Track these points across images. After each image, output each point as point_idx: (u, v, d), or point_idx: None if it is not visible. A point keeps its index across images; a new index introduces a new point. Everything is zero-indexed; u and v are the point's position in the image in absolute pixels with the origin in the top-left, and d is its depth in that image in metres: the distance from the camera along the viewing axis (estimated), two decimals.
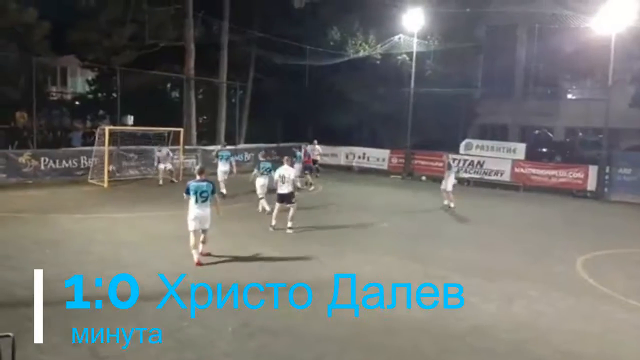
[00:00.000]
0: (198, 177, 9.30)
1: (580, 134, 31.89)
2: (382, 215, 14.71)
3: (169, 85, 32.41)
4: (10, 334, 3.27)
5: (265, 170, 13.64)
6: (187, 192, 9.05)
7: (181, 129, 20.55)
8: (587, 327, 7.01)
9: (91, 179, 18.23)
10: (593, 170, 20.84)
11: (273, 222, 11.86)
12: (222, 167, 16.34)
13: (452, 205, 15.79)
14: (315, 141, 22.63)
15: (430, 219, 14.77)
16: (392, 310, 7.23)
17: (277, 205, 11.94)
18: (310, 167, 20.55)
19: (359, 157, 27.47)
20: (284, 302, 7.34)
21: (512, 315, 7.33)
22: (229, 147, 19.96)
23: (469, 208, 16.42)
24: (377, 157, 26.95)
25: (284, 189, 11.79)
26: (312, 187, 19.07)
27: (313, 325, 6.60)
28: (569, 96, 32.43)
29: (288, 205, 11.85)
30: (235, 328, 6.41)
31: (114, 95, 24.39)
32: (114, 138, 18.98)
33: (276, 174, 12.05)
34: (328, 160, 28.15)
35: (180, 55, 24.39)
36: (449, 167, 16.36)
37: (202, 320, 6.59)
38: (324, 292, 7.85)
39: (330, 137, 28.60)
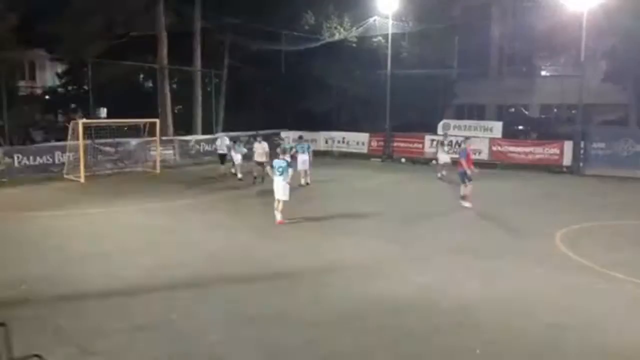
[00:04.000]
0: (281, 157, 11.40)
1: (555, 110, 32.44)
2: (365, 199, 14.79)
3: (142, 76, 31.84)
4: (4, 323, 3.21)
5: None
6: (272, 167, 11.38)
7: (157, 120, 20.24)
8: (569, 299, 7.20)
9: (67, 174, 17.89)
10: (568, 145, 21.24)
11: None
12: (302, 157, 16.93)
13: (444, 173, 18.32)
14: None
15: (412, 200, 14.91)
16: (381, 293, 7.31)
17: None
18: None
19: (339, 142, 27.46)
20: (272, 290, 7.37)
21: (497, 291, 7.48)
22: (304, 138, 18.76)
23: (449, 188, 16.63)
24: (357, 140, 26.98)
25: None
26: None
27: (304, 311, 6.64)
28: (543, 73, 32.90)
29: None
30: (224, 318, 6.41)
31: (86, 87, 23.87)
32: (88, 132, 18.60)
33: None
34: None
35: (153, 45, 23.95)
36: (441, 144, 19.16)
37: (191, 312, 6.57)
38: (313, 278, 7.91)
39: (310, 123, 28.51)
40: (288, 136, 19.50)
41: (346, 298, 7.11)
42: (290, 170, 11.67)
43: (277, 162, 11.37)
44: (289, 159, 11.63)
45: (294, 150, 16.73)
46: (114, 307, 6.74)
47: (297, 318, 6.45)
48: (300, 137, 18.53)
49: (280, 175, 11.20)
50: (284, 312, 6.62)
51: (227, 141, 18.99)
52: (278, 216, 11.36)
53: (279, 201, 11.36)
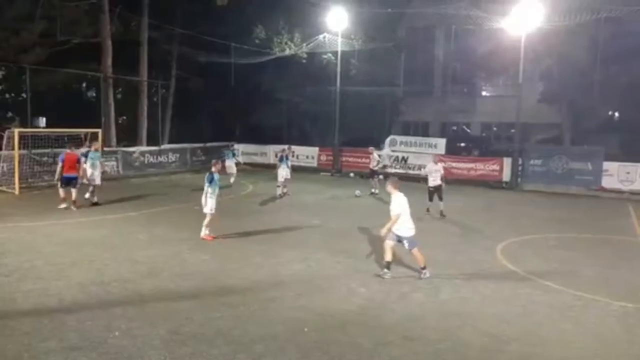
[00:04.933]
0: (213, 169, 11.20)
1: (495, 128, 33.87)
2: (313, 213, 14.79)
3: (84, 85, 30.75)
4: None
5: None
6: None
7: (99, 130, 19.50)
8: (510, 309, 7.42)
9: (0, 186, 16.89)
10: (507, 162, 22.19)
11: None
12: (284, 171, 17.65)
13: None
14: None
15: (360, 214, 15.03)
16: (327, 306, 7.27)
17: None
18: None
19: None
20: (216, 306, 7.17)
21: (440, 303, 7.61)
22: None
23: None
24: (307, 154, 27.10)
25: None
26: None
27: (248, 327, 6.49)
28: (484, 93, 34.40)
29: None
30: (165, 336, 6.17)
31: (24, 95, 22.75)
32: (25, 142, 17.66)
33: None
34: (257, 159, 27.98)
35: (97, 53, 23.18)
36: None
37: (129, 331, 6.27)
38: (258, 293, 7.77)
39: (260, 136, 28.42)
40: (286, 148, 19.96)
41: (292, 312, 7.02)
42: (216, 184, 11.07)
43: (207, 175, 11.07)
44: (214, 171, 11.19)
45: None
46: (46, 326, 6.34)
47: (242, 334, 6.28)
48: (284, 150, 18.93)
49: (208, 187, 10.85)
50: (227, 328, 6.45)
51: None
52: (202, 231, 11.00)
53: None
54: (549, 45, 22.73)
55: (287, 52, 26.72)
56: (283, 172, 17.61)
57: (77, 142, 18.47)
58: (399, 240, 8.68)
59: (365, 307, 7.32)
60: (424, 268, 8.69)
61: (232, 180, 19.51)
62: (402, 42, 30.33)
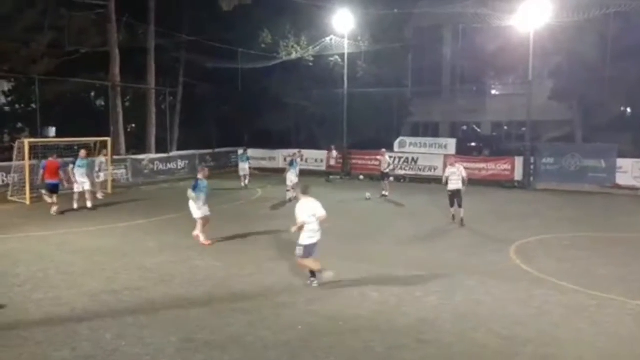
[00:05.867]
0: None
1: (505, 127, 33.61)
2: None
3: (93, 94, 30.99)
4: None
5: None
6: None
7: (108, 139, 19.62)
8: (525, 311, 7.30)
9: (12, 196, 17.02)
10: (519, 161, 21.97)
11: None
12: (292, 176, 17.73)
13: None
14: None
15: (370, 217, 14.95)
16: (340, 311, 7.20)
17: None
18: None
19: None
20: (228, 313, 7.14)
21: (454, 306, 7.51)
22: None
23: (406, 204, 16.83)
24: (315, 158, 27.05)
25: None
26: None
27: (260, 334, 6.44)
28: (494, 92, 34.13)
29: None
30: (177, 343, 6.14)
31: (34, 106, 22.97)
32: (35, 152, 17.79)
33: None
34: (266, 164, 27.98)
35: (105, 62, 23.34)
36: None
37: (141, 339, 6.26)
38: (270, 299, 7.73)
39: (268, 141, 28.44)
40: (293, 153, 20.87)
41: (304, 318, 6.96)
42: (201, 190, 11.02)
43: (192, 182, 11.22)
44: (200, 177, 11.19)
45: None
46: (59, 335, 6.34)
47: (255, 341, 6.24)
48: (294, 154, 19.67)
49: (192, 193, 10.89)
50: (240, 335, 6.41)
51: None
52: (200, 237, 11.04)
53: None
54: (557, 42, 22.51)
55: (294, 55, 26.74)
56: (292, 177, 17.62)
57: (88, 150, 18.65)
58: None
59: (377, 311, 7.24)
60: (313, 275, 8.22)
61: (246, 182, 20.71)
62: (409, 42, 30.22)
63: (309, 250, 8.13)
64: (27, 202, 16.46)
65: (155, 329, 6.55)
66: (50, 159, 15.05)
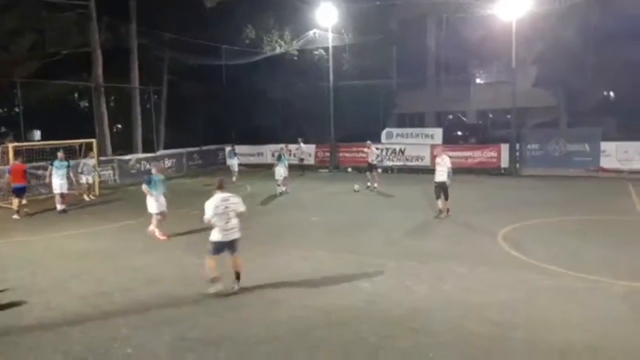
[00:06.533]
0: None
1: (491, 115, 33.84)
2: (312, 210, 14.76)
3: (77, 95, 30.66)
4: None
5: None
6: None
7: (93, 140, 19.43)
8: (514, 296, 7.40)
9: (4, 202, 16.82)
10: (505, 148, 22.15)
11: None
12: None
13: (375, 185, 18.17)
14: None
15: (359, 208, 15.00)
16: (332, 303, 7.24)
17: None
18: None
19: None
20: (220, 310, 7.14)
21: (445, 294, 7.58)
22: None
23: (394, 195, 16.90)
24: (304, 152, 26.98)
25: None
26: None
27: (253, 329, 6.46)
28: (478, 81, 34.32)
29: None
30: (170, 342, 6.14)
31: (17, 109, 22.66)
32: (20, 156, 17.54)
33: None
34: (254, 160, 27.92)
35: (88, 63, 23.08)
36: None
37: (133, 339, 6.25)
38: (262, 294, 7.74)
39: (255, 137, 28.35)
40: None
41: (296, 312, 6.98)
42: (155, 185, 11.41)
43: (145, 177, 11.77)
44: (153, 173, 11.73)
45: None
46: (51, 339, 6.31)
47: (248, 337, 6.26)
48: (281, 149, 19.66)
49: (147, 189, 11.33)
50: (233, 331, 6.42)
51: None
52: (156, 233, 11.43)
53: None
54: (540, 30, 22.68)
55: (278, 50, 26.65)
56: (281, 171, 17.65)
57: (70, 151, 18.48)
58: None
59: (369, 302, 7.29)
60: (214, 279, 7.70)
61: (234, 178, 20.69)
62: (393, 34, 30.23)
63: (217, 247, 7.69)
64: (14, 206, 16.26)
65: (148, 329, 6.54)
66: (16, 162, 15.23)
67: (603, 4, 21.37)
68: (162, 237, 11.35)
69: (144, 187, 11.37)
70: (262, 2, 26.10)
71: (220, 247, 7.72)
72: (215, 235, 7.69)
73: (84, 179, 17.79)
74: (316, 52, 26.80)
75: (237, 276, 7.83)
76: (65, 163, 15.72)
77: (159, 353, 5.88)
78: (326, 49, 25.87)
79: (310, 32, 25.67)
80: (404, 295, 7.53)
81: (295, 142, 25.15)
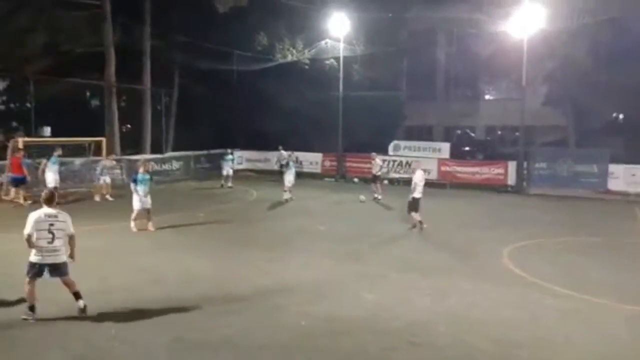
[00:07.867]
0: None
1: (499, 132, 33.79)
2: (318, 218, 14.75)
3: (88, 94, 30.88)
4: None
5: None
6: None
7: (103, 139, 19.53)
8: (518, 314, 7.34)
9: (5, 195, 16.91)
10: (512, 166, 22.06)
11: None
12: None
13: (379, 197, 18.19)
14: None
15: (365, 219, 14.98)
16: (334, 313, 7.21)
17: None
18: None
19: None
20: (222, 313, 7.13)
21: (447, 308, 7.54)
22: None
23: (400, 207, 16.84)
24: (310, 160, 27.06)
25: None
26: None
27: (254, 335, 6.44)
28: (487, 97, 34.32)
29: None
30: (169, 344, 6.12)
31: (28, 105, 22.85)
32: (30, 151, 17.69)
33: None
34: (260, 166, 27.99)
35: (100, 62, 23.27)
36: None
37: (133, 339, 6.24)
38: (264, 300, 7.72)
39: (262, 142, 28.41)
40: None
41: (297, 319, 6.96)
42: (141, 183, 12.39)
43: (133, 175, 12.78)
44: (140, 172, 12.57)
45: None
46: (51, 335, 6.33)
47: (248, 342, 6.24)
48: (289, 155, 20.56)
49: (134, 186, 12.34)
50: (233, 336, 6.40)
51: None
52: (131, 225, 12.32)
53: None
54: (551, 48, 22.67)
55: (289, 58, 26.76)
56: (290, 177, 17.65)
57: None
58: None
59: (371, 312, 7.25)
60: (32, 308, 6.76)
61: (229, 183, 20.94)
62: (403, 46, 30.31)
63: (35, 270, 6.74)
64: (22, 201, 16.35)
65: (148, 329, 6.53)
66: (16, 155, 16.34)
67: (614, 24, 21.36)
68: (135, 229, 12.26)
69: (132, 186, 12.42)
70: (274, 9, 26.23)
71: (39, 270, 6.71)
72: (34, 256, 6.73)
73: (102, 180, 17.80)
74: (327, 62, 26.89)
75: (77, 296, 6.87)
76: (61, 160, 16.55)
77: (157, 354, 5.87)
78: (337, 59, 25.97)
79: (322, 42, 25.79)
80: (406, 308, 7.49)
81: (302, 150, 25.21)
